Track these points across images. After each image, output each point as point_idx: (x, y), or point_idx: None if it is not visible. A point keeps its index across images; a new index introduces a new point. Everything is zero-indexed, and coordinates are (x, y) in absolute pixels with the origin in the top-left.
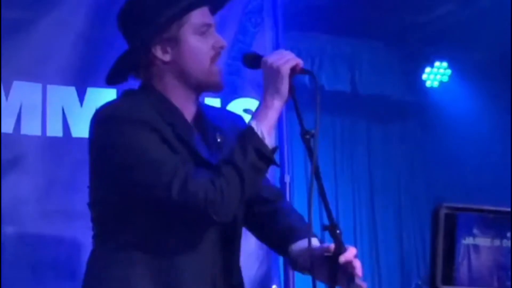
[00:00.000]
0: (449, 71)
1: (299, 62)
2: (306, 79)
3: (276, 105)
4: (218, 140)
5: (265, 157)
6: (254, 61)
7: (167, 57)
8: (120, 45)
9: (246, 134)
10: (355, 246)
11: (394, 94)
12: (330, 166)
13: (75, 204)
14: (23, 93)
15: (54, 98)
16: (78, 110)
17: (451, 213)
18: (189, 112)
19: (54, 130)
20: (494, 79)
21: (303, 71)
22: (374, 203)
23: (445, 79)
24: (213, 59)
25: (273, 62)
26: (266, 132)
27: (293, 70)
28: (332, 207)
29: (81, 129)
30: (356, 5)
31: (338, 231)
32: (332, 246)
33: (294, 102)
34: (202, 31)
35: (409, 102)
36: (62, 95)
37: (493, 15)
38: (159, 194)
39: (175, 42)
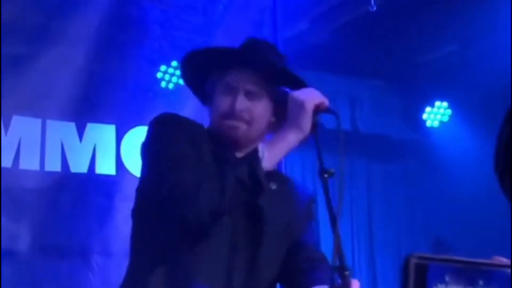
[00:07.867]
0: (449, 111)
1: (325, 101)
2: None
3: (290, 138)
4: (273, 187)
5: (255, 175)
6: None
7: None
8: (120, 80)
9: (250, 153)
10: None
11: (395, 133)
12: None
13: (72, 240)
14: (23, 128)
15: (53, 133)
16: (77, 146)
17: (422, 263)
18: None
19: (53, 165)
20: (495, 120)
21: (328, 110)
22: (373, 242)
23: (446, 119)
24: (223, 116)
25: (299, 96)
26: (269, 157)
27: (318, 108)
28: (330, 244)
29: (80, 164)
30: (356, 44)
31: (347, 272)
32: None
33: (315, 140)
34: (228, 90)
35: (409, 141)
36: (61, 130)
37: (495, 55)
38: (156, 182)
39: (211, 97)
